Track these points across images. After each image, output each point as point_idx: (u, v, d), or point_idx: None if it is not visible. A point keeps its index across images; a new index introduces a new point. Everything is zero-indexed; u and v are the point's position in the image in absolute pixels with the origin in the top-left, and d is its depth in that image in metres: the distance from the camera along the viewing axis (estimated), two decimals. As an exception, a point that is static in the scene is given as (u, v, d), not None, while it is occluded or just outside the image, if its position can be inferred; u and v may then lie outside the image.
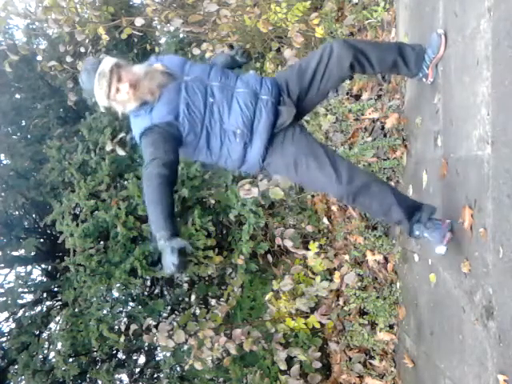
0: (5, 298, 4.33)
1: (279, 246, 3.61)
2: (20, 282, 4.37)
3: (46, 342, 4.51)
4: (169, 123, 2.04)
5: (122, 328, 3.79)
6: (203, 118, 2.07)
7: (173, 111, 2.04)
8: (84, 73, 2.06)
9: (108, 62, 2.03)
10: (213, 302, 4.77)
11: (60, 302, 4.81)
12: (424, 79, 2.28)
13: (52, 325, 4.71)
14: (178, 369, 4.31)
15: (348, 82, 3.30)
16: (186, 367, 3.26)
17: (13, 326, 4.58)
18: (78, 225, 3.95)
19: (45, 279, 4.92)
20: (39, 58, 4.76)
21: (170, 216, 1.89)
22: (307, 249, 3.32)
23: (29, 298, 4.57)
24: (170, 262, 1.76)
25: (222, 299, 4.38)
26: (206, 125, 2.08)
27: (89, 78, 2.02)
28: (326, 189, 2.22)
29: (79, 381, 4.41)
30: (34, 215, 5.33)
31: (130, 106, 2.08)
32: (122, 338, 3.68)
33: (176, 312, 4.69)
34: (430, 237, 2.05)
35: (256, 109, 2.08)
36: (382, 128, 3.08)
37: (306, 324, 3.24)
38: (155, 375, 4.72)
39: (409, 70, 2.22)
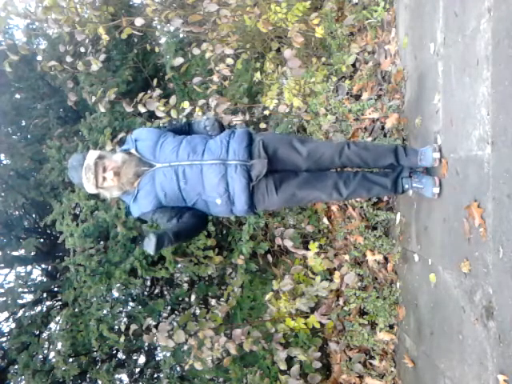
0: (5, 298, 4.33)
1: (279, 245, 3.60)
2: (20, 281, 4.37)
3: (46, 342, 4.50)
4: (154, 210, 2.27)
5: (122, 328, 3.78)
6: (183, 198, 2.26)
7: (154, 200, 2.25)
8: (72, 170, 2.21)
9: (92, 155, 2.19)
10: (213, 302, 4.77)
11: (60, 302, 4.80)
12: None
13: (52, 325, 4.70)
14: (178, 369, 4.30)
15: (348, 81, 3.31)
16: (186, 367, 3.25)
17: (13, 326, 4.57)
18: (78, 225, 3.95)
19: (45, 279, 4.91)
20: (39, 58, 4.76)
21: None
22: (307, 249, 3.32)
23: (29, 298, 4.57)
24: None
25: (222, 299, 4.38)
26: (188, 201, 2.27)
27: (77, 174, 2.18)
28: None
29: (79, 381, 4.40)
30: (34, 215, 5.32)
31: (115, 193, 2.24)
32: (122, 338, 3.67)
33: (176, 312, 4.68)
34: (419, 184, 2.32)
35: (227, 176, 2.17)
36: (382, 128, 3.08)
37: (306, 324, 3.24)
38: (155, 375, 4.70)
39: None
